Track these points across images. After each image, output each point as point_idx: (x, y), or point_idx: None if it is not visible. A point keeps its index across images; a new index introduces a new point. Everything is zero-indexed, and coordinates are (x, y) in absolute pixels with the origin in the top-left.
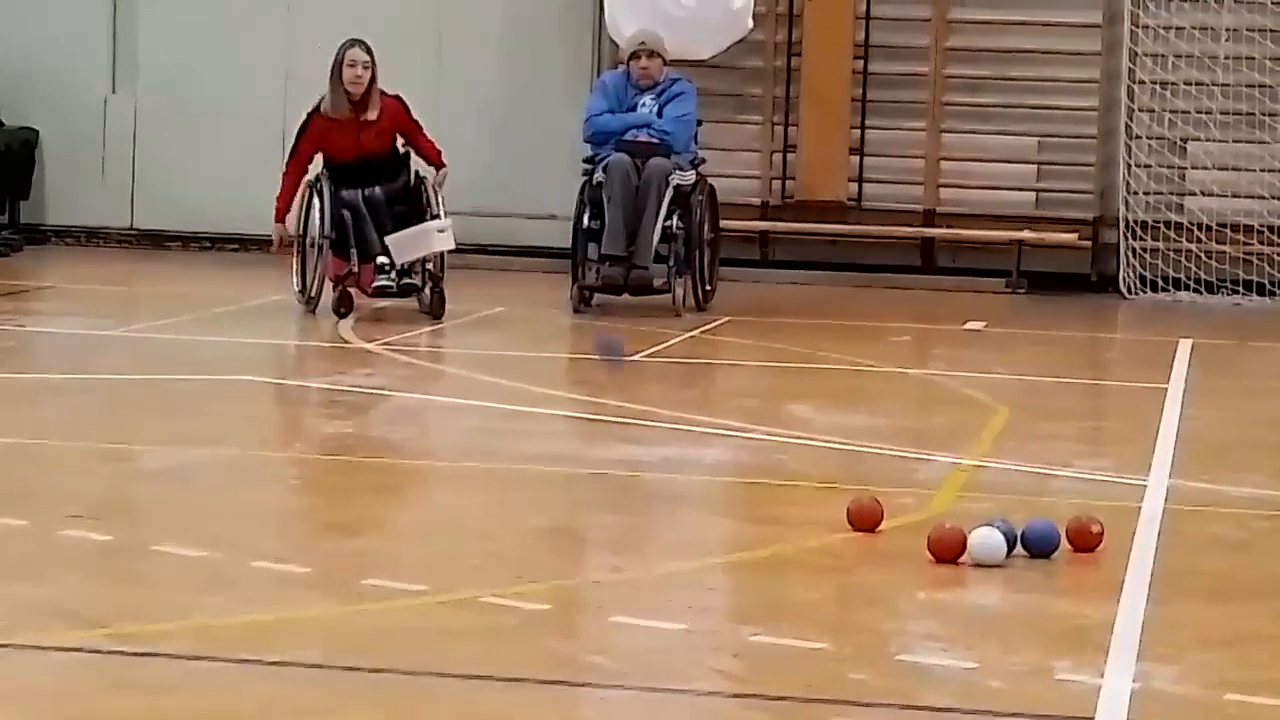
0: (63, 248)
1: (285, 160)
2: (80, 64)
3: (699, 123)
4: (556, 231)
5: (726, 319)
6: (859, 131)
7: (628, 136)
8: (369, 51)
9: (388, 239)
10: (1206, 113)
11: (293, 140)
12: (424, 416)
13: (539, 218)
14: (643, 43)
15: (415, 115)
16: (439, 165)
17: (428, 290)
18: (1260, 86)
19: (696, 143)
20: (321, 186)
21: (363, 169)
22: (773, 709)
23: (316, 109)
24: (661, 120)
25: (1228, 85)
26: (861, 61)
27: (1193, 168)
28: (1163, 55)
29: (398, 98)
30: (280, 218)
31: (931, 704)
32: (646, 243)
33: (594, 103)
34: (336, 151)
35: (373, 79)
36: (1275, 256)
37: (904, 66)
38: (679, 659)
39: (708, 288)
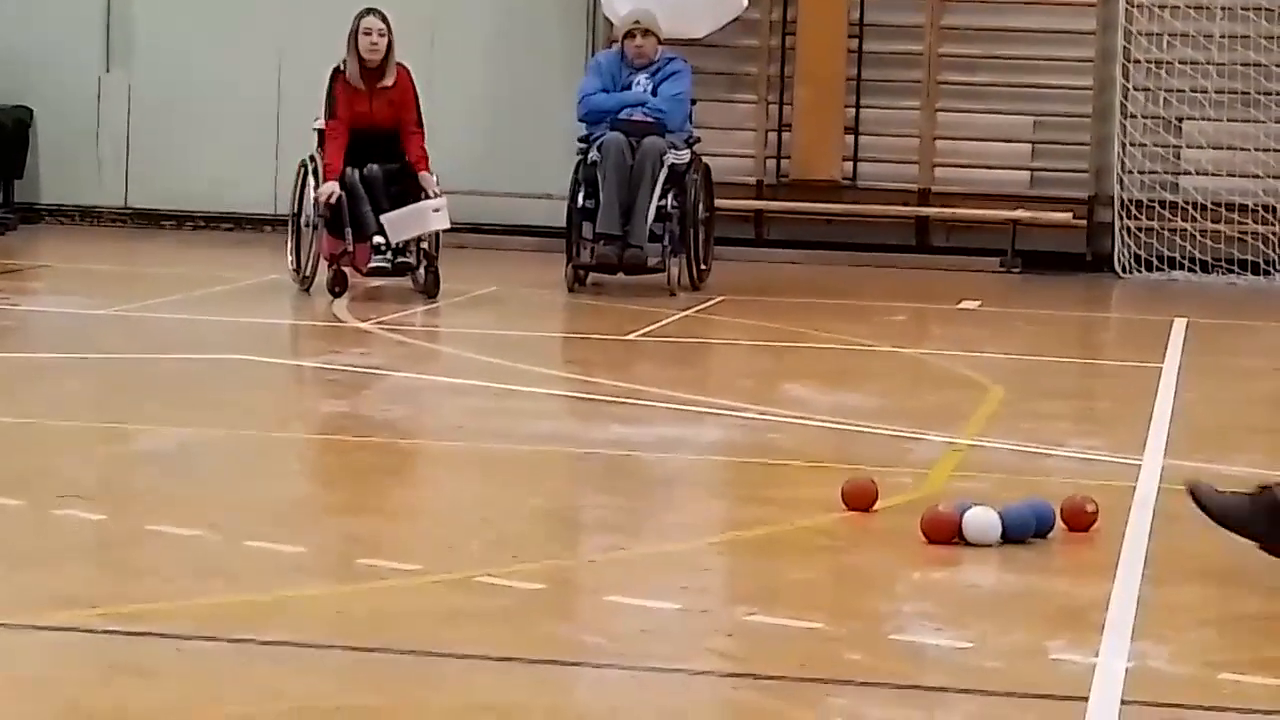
0: (57, 227)
1: (323, 121)
2: (75, 43)
3: (693, 101)
4: (551, 210)
5: (721, 298)
6: (854, 110)
7: (622, 115)
8: (385, 20)
9: (383, 218)
10: (1202, 91)
11: (324, 102)
12: (419, 396)
13: (534, 197)
14: (637, 21)
15: (421, 110)
16: (420, 169)
17: (422, 269)
18: (1255, 65)
19: (691, 121)
20: (317, 164)
21: (366, 141)
22: (767, 688)
23: (339, 70)
24: (656, 99)
25: (1223, 64)
26: (856, 40)
27: (1188, 146)
28: (1158, 34)
29: (407, 70)
30: (332, 177)
31: (926, 683)
32: (641, 222)
33: (588, 82)
34: (348, 117)
35: (389, 46)
36: (1270, 235)
37: (899, 45)
38: (674, 639)
39: (702, 267)
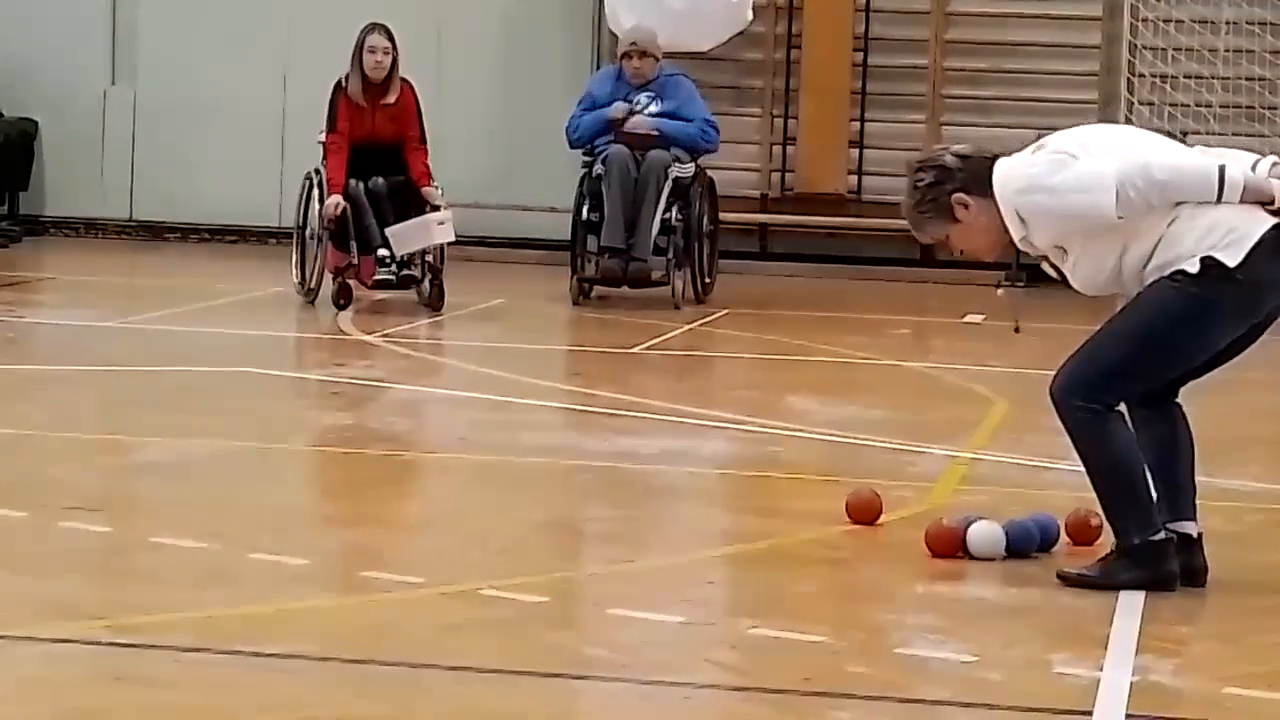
0: (62, 239)
1: (325, 135)
2: (80, 56)
3: None
4: (556, 224)
5: (725, 311)
6: (858, 124)
7: (628, 128)
8: (390, 36)
9: (388, 231)
10: (1206, 106)
11: (326, 115)
12: (423, 408)
13: (538, 210)
14: (634, 43)
15: (424, 126)
16: (422, 184)
17: (427, 282)
18: (1260, 80)
19: None
20: (322, 177)
21: (370, 154)
22: (771, 701)
23: (341, 84)
24: (691, 129)
25: (1227, 79)
26: (861, 54)
27: None
28: (1162, 48)
29: (411, 85)
30: (336, 191)
31: (930, 697)
32: (645, 235)
33: (575, 111)
34: (351, 131)
35: (394, 63)
36: None
37: (903, 59)
38: (677, 651)
39: (707, 280)
